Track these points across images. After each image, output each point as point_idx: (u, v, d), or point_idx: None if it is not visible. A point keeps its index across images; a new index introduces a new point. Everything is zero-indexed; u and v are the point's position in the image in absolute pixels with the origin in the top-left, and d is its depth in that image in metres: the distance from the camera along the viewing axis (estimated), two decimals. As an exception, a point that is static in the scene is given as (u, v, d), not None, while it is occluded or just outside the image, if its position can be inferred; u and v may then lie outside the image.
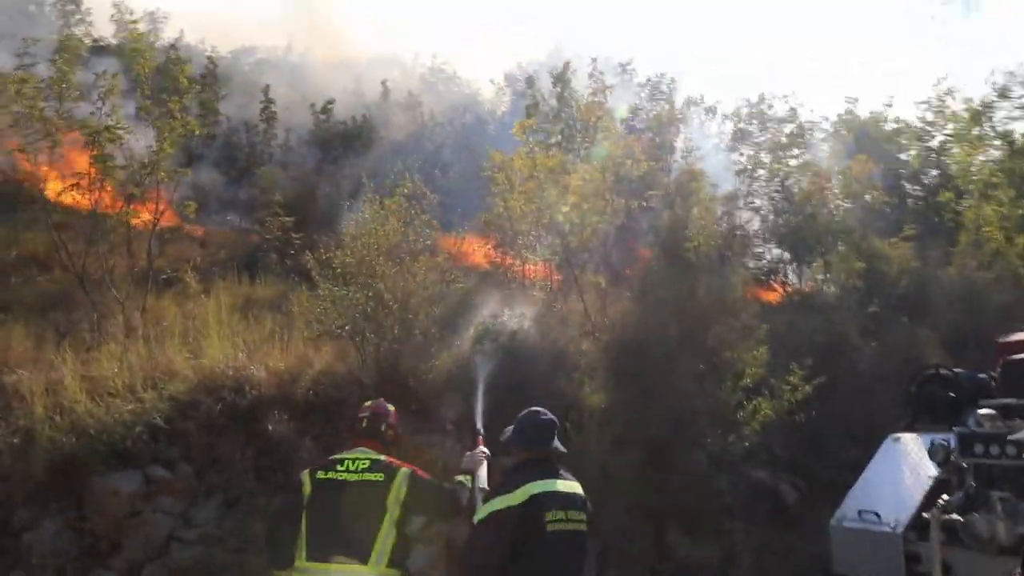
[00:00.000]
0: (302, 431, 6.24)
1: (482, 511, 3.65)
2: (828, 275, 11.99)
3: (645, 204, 9.84)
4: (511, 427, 4.08)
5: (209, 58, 19.82)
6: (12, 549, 5.13)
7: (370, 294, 6.87)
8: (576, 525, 3.67)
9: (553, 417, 3.94)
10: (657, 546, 7.73)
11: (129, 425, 5.46)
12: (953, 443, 6.66)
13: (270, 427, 6.12)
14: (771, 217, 14.61)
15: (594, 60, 23.29)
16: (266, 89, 19.21)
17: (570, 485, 3.79)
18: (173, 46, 21.39)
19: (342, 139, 20.65)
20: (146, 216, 8.26)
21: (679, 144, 18.04)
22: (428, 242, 7.46)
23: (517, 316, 8.35)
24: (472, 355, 7.68)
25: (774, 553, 8.24)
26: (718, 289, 9.43)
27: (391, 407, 4.42)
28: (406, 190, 7.71)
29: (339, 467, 3.96)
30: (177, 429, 5.83)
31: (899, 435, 7.49)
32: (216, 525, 5.65)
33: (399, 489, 3.93)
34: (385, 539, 3.85)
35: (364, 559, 3.78)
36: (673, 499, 7.94)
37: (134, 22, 8.46)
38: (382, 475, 3.95)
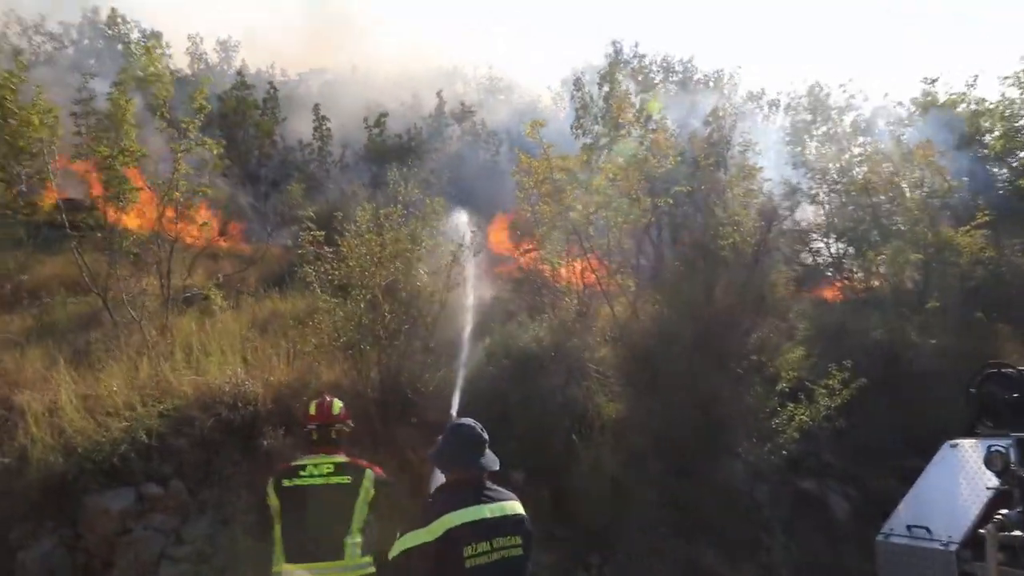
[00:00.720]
0: (299, 446, 6.13)
1: (396, 547, 3.36)
2: (879, 269, 11.09)
3: (671, 202, 9.34)
4: (440, 440, 3.79)
5: (270, 83, 20.50)
6: (7, 567, 5.23)
7: (363, 305, 6.74)
8: (507, 552, 3.32)
9: (481, 432, 3.58)
10: (688, 566, 7.26)
11: (117, 443, 5.49)
12: (1013, 450, 5.99)
13: (265, 442, 6.06)
14: (828, 209, 13.71)
15: (641, 56, 22.88)
16: (316, 108, 19.67)
17: (501, 507, 3.41)
18: (239, 72, 22.32)
19: (395, 153, 20.95)
20: (185, 235, 8.56)
21: (736, 139, 17.36)
22: (424, 249, 7.24)
23: (533, 324, 8.07)
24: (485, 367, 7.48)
25: (819, 570, 7.61)
26: (755, 288, 8.87)
27: (337, 404, 4.66)
28: (405, 197, 7.55)
29: (302, 473, 4.33)
30: (171, 446, 5.85)
31: (957, 441, 6.79)
32: (208, 542, 5.63)
33: (367, 490, 4.34)
34: (356, 535, 4.26)
35: (339, 556, 4.17)
36: (705, 514, 7.46)
37: (152, 46, 8.44)
38: (349, 478, 4.34)
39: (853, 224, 12.78)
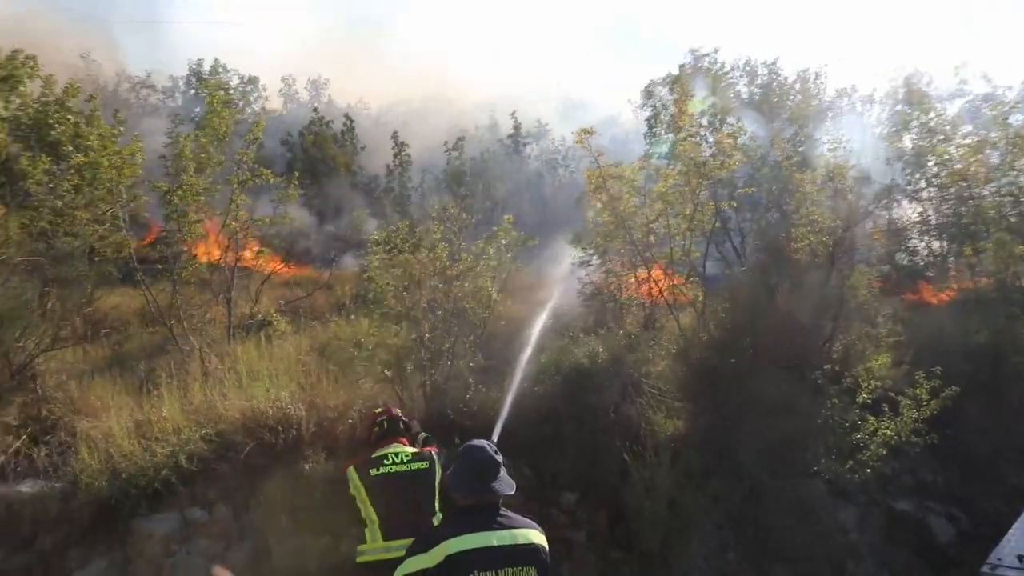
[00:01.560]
0: (340, 469, 6.08)
1: (399, 570, 3.22)
2: (983, 266, 10.01)
3: (734, 205, 8.81)
4: (453, 463, 3.60)
5: (346, 115, 21.23)
6: (64, 588, 5.41)
7: (399, 329, 6.65)
8: None
9: (494, 454, 3.34)
10: (761, 594, 6.69)
11: (160, 468, 5.60)
12: None
13: (307, 466, 6.04)
14: (928, 205, 12.61)
15: (716, 61, 22.07)
16: (395, 135, 20.16)
17: (513, 535, 3.19)
18: (315, 109, 23.25)
19: (473, 175, 21.19)
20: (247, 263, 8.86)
21: (822, 137, 16.40)
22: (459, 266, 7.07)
23: (588, 339, 7.75)
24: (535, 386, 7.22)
25: (916, 603, 6.84)
26: (834, 292, 8.20)
27: (397, 410, 5.28)
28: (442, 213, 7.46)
29: (386, 462, 4.83)
30: (215, 471, 5.91)
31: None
32: (250, 567, 5.63)
33: (439, 471, 4.86)
34: (437, 513, 4.77)
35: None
36: (779, 538, 6.86)
37: (219, 86, 8.76)
38: (426, 463, 4.90)
39: (954, 219, 11.68)
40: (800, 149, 15.78)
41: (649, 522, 6.26)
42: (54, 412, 6.34)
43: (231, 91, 30.88)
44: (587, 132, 8.19)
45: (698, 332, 8.17)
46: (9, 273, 7.74)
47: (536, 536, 3.27)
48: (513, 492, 3.35)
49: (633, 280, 9.44)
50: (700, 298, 8.75)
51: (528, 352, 7.74)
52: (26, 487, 5.76)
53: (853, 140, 16.44)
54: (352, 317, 9.71)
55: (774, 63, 24.36)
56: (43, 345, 6.89)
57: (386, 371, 7.08)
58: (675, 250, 8.84)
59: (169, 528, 5.60)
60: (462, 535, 3.14)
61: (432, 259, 6.85)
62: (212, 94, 8.48)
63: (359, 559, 4.67)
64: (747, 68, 24.81)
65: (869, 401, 7.18)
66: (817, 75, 24.00)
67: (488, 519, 3.23)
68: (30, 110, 11.97)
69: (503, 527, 3.20)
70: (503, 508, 3.31)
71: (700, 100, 11.87)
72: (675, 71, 16.62)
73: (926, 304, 10.85)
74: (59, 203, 9.59)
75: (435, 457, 4.97)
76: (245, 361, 7.49)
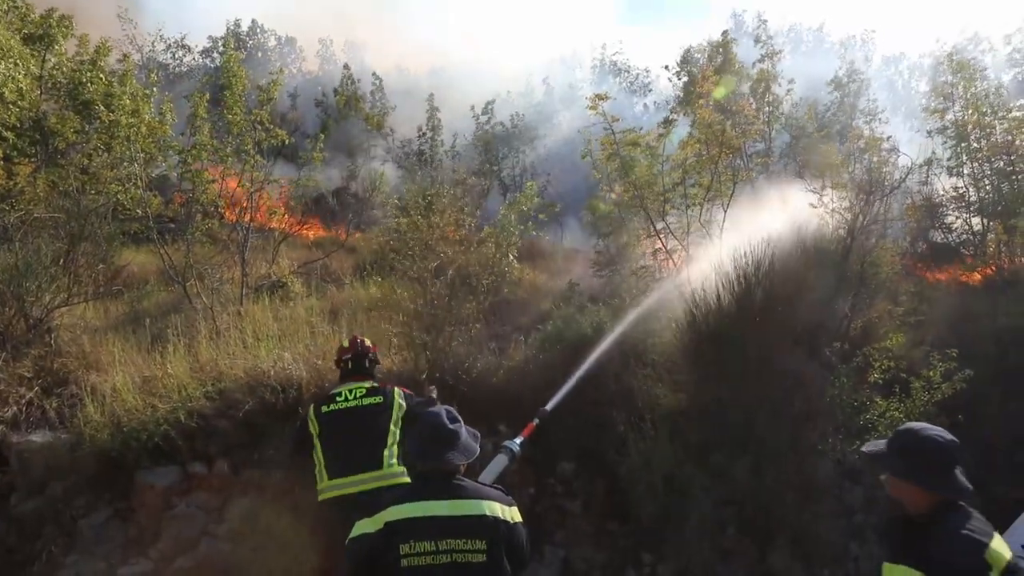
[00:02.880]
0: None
1: (349, 536, 3.24)
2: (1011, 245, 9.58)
3: (752, 173, 8.56)
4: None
5: (374, 73, 21.17)
6: (70, 532, 5.61)
7: (407, 292, 6.65)
8: (461, 556, 3.03)
9: (448, 422, 3.30)
10: (757, 570, 6.61)
11: (160, 423, 5.73)
12: None
13: (300, 426, 6.11)
14: (968, 180, 12.06)
15: (763, 23, 21.37)
16: (431, 98, 20.05)
17: (460, 506, 3.11)
18: (346, 66, 23.20)
19: (503, 139, 21.02)
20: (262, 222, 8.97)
21: (861, 106, 15.83)
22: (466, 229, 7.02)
23: (595, 308, 7.65)
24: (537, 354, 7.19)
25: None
26: (852, 267, 7.94)
27: (367, 341, 5.34)
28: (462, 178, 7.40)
29: (338, 399, 4.88)
30: (216, 427, 6.04)
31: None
32: (247, 522, 5.75)
33: (399, 407, 4.87)
34: (392, 447, 4.72)
35: (378, 467, 4.61)
36: (781, 515, 6.75)
37: (228, 46, 8.74)
38: (380, 398, 4.87)
39: (994, 195, 11.17)
40: (839, 118, 15.33)
41: (646, 495, 6.21)
42: (67, 366, 6.53)
43: (270, 51, 31.06)
44: (601, 98, 8.00)
45: (710, 299, 8.01)
46: (33, 229, 7.98)
47: (494, 508, 3.17)
48: (469, 460, 3.32)
49: (648, 249, 9.31)
50: (712, 269, 8.57)
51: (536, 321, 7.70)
52: (37, 436, 5.98)
53: (895, 110, 15.92)
54: (368, 280, 9.79)
55: (819, 29, 23.54)
56: (60, 300, 7.07)
57: (392, 334, 7.12)
58: (692, 220, 8.68)
59: (169, 481, 5.76)
60: (405, 503, 3.11)
61: (441, 223, 6.81)
62: (228, 54, 8.50)
63: (319, 498, 4.70)
64: (791, 34, 24.10)
65: (880, 381, 6.98)
66: (864, 42, 23.17)
67: (438, 488, 3.17)
68: (65, 69, 12.20)
69: (451, 496, 3.13)
70: (460, 477, 3.28)
71: (735, 71, 11.54)
72: (714, 38, 16.17)
73: (958, 283, 10.46)
74: (86, 161, 9.82)
75: (396, 394, 4.92)
76: (254, 321, 7.60)
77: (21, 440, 5.90)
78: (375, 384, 5.04)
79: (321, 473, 4.70)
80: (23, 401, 6.09)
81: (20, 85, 10.73)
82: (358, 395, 4.88)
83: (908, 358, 7.48)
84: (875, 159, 9.69)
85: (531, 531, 5.54)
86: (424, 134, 20.45)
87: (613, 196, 8.94)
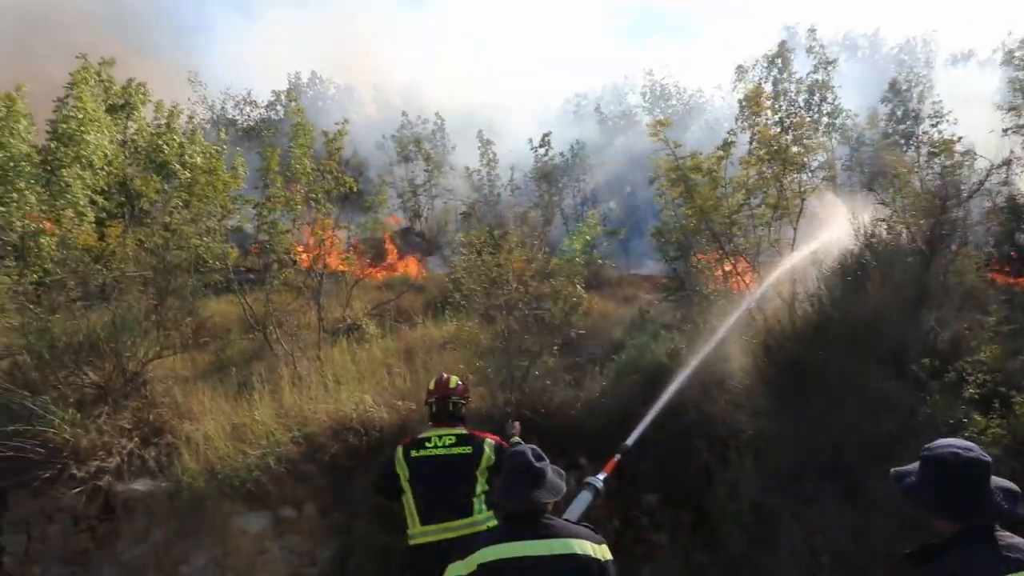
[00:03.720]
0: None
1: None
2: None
3: (819, 188, 8.38)
4: None
5: (436, 113, 21.66)
6: (173, 580, 5.84)
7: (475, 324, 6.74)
8: None
9: (534, 461, 3.32)
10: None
11: (251, 469, 5.93)
12: None
13: (384, 467, 6.22)
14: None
15: (813, 34, 21.02)
16: (480, 134, 20.35)
17: (551, 545, 3.13)
18: (404, 113, 23.81)
19: (561, 170, 21.12)
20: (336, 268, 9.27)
21: (927, 110, 15.33)
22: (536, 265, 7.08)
23: (669, 335, 7.59)
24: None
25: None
26: (935, 277, 7.65)
27: (454, 379, 5.35)
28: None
29: (427, 444, 4.95)
30: (303, 471, 6.21)
31: None
32: (336, 565, 5.88)
33: (488, 458, 4.91)
34: (480, 495, 4.82)
35: (468, 514, 4.73)
36: (879, 541, 6.48)
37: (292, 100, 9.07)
38: (470, 448, 4.93)
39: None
40: (901, 127, 14.90)
41: (734, 525, 6.06)
42: (162, 416, 6.83)
43: (330, 100, 32.14)
44: (663, 124, 8.00)
45: (785, 324, 7.83)
46: (126, 287, 8.42)
47: (585, 546, 3.18)
48: (557, 498, 3.34)
49: (719, 273, 9.18)
50: (787, 289, 8.41)
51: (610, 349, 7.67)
52: (139, 485, 6.27)
53: (966, 111, 15.33)
54: (439, 318, 9.95)
55: (875, 34, 23.01)
56: (152, 353, 7.43)
57: (468, 372, 7.21)
58: (761, 239, 8.55)
59: (262, 525, 5.95)
60: (497, 544, 3.15)
61: (509, 261, 6.90)
62: (295, 107, 8.90)
63: (410, 541, 4.81)
64: (846, 42, 23.61)
65: (977, 396, 6.66)
66: (925, 42, 22.52)
67: (528, 528, 3.19)
68: (144, 133, 12.96)
69: (541, 536, 3.15)
70: (549, 516, 3.29)
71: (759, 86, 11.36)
72: (768, 53, 16.01)
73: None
74: (168, 219, 10.33)
75: (487, 445, 4.96)
76: (333, 365, 7.82)
77: (125, 489, 6.19)
78: (464, 432, 5.05)
79: (413, 519, 4.80)
80: (125, 452, 6.40)
81: (107, 152, 11.44)
82: (447, 443, 4.93)
83: (1004, 371, 7.12)
84: (948, 163, 9.38)
85: (618, 565, 5.47)
86: (479, 170, 20.69)
87: (678, 221, 8.88)
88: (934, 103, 14.59)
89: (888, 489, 6.65)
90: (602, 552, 3.25)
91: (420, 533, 4.74)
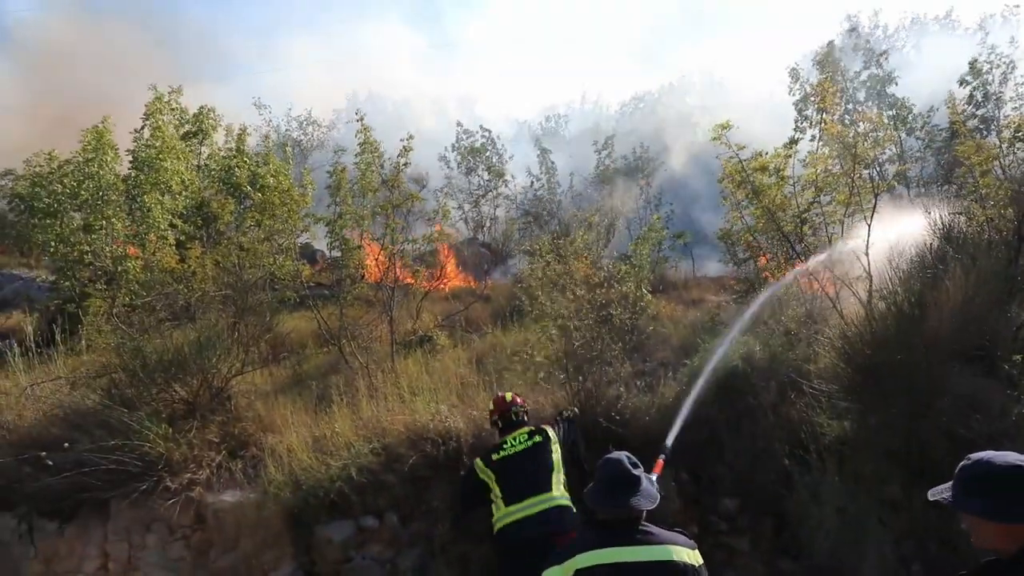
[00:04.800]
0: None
1: None
2: None
3: (895, 185, 8.10)
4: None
5: (481, 126, 21.88)
6: (264, 587, 6.05)
7: (553, 333, 6.77)
8: None
9: (630, 468, 3.40)
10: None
11: (334, 480, 6.10)
12: None
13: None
14: None
15: (877, 26, 20.26)
16: (538, 142, 20.45)
17: (651, 552, 3.18)
18: (458, 122, 24.10)
19: (625, 173, 21.05)
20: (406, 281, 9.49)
21: (1009, 92, 14.64)
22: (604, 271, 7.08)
23: (744, 338, 7.46)
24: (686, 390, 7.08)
25: None
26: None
27: (508, 394, 5.98)
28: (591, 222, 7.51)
29: (505, 447, 5.43)
30: (383, 481, 6.35)
31: None
32: (418, 572, 5.99)
33: (555, 439, 5.49)
34: (558, 474, 5.27)
35: (548, 489, 5.13)
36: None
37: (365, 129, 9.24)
38: (540, 436, 5.47)
39: None
40: (979, 111, 14.27)
41: (817, 531, 5.92)
42: (246, 430, 7.11)
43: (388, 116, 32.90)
44: (724, 127, 7.89)
45: (864, 324, 7.60)
46: (207, 306, 8.79)
47: (682, 553, 3.22)
48: (654, 506, 3.35)
49: (790, 273, 8.99)
50: (866, 288, 8.17)
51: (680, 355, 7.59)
52: (228, 496, 6.52)
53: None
54: (508, 327, 10.04)
55: (947, 16, 22.12)
56: (235, 369, 7.74)
57: (540, 380, 7.26)
58: (834, 237, 8.33)
59: (345, 535, 6.10)
60: (593, 550, 3.18)
61: (576, 268, 6.93)
62: (363, 127, 9.17)
63: (495, 529, 5.14)
64: (914, 25, 22.74)
65: (1068, 392, 6.35)
66: (1005, 19, 21.49)
67: (624, 534, 3.23)
68: (217, 158, 13.52)
69: (639, 543, 3.18)
70: (645, 523, 3.31)
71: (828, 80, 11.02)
72: (832, 44, 15.58)
73: None
74: (243, 239, 10.75)
75: (549, 429, 5.56)
76: (407, 376, 7.97)
77: (215, 500, 6.45)
78: (532, 428, 5.61)
79: (498, 505, 5.15)
80: (214, 464, 6.68)
81: (183, 178, 12.01)
82: (522, 440, 5.44)
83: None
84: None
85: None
86: (539, 178, 20.77)
87: (745, 222, 8.74)
88: (1018, 84, 13.96)
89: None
90: (695, 557, 3.29)
91: (505, 514, 5.06)
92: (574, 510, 5.12)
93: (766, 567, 6.22)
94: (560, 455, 5.43)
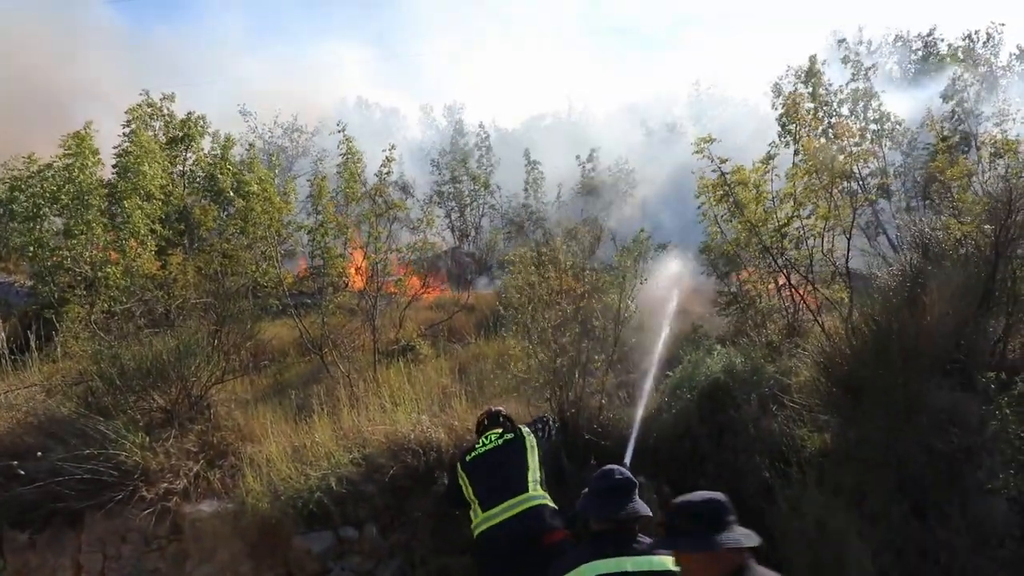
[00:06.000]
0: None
1: None
2: None
3: (873, 199, 8.19)
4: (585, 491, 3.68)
5: (480, 125, 21.88)
6: (239, 599, 5.97)
7: (533, 345, 6.76)
8: None
9: (628, 477, 3.49)
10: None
11: (313, 490, 6.04)
12: None
13: (441, 487, 6.26)
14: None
15: (861, 42, 20.46)
16: (527, 152, 20.49)
17: (649, 562, 3.24)
18: (458, 123, 24.11)
19: (608, 186, 21.13)
20: (388, 290, 9.44)
21: (989, 110, 14.85)
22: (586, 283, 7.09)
23: (724, 350, 7.49)
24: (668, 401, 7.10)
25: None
26: (1002, 286, 7.41)
27: (496, 408, 5.86)
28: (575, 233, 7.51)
29: (477, 447, 5.38)
30: (363, 492, 6.30)
31: None
32: (397, 583, 5.94)
33: (529, 439, 5.36)
34: (534, 473, 5.13)
35: (524, 490, 4.97)
36: (953, 561, 6.26)
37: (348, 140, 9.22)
38: (512, 434, 5.39)
39: None
40: (960, 127, 14.47)
41: (798, 543, 5.93)
42: (225, 439, 7.03)
43: (375, 123, 32.74)
44: (707, 140, 7.94)
45: (843, 338, 7.66)
46: (187, 313, 8.71)
47: (669, 563, 3.25)
48: (650, 514, 3.39)
49: (772, 286, 9.05)
50: (845, 301, 8.24)
51: (661, 367, 7.61)
52: (205, 506, 6.45)
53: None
54: (491, 337, 10.01)
55: (930, 34, 22.38)
56: (215, 377, 7.66)
57: (522, 390, 7.24)
58: (814, 251, 8.41)
59: (324, 545, 6.04)
60: (594, 560, 3.22)
61: (557, 279, 6.93)
62: (347, 145, 9.16)
63: (475, 535, 4.99)
64: (899, 43, 22.96)
65: (1053, 404, 6.41)
66: (989, 37, 21.77)
67: (622, 544, 3.29)
68: (203, 164, 13.43)
69: (638, 552, 3.25)
70: (640, 534, 3.36)
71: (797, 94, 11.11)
72: (815, 57, 15.73)
73: None
74: (226, 246, 10.68)
75: (523, 429, 5.46)
76: (389, 386, 7.93)
77: (192, 510, 6.37)
78: (505, 429, 5.53)
79: (476, 511, 5.02)
80: (191, 474, 6.59)
81: (163, 183, 11.91)
82: (493, 439, 5.37)
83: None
84: (1011, 164, 9.10)
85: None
86: (527, 188, 20.81)
87: (725, 236, 8.80)
88: (998, 103, 14.16)
89: (960, 505, 6.48)
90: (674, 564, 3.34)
91: (483, 519, 4.93)
92: (555, 507, 5.03)
93: (746, 580, 6.20)
94: (538, 456, 5.30)
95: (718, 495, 2.85)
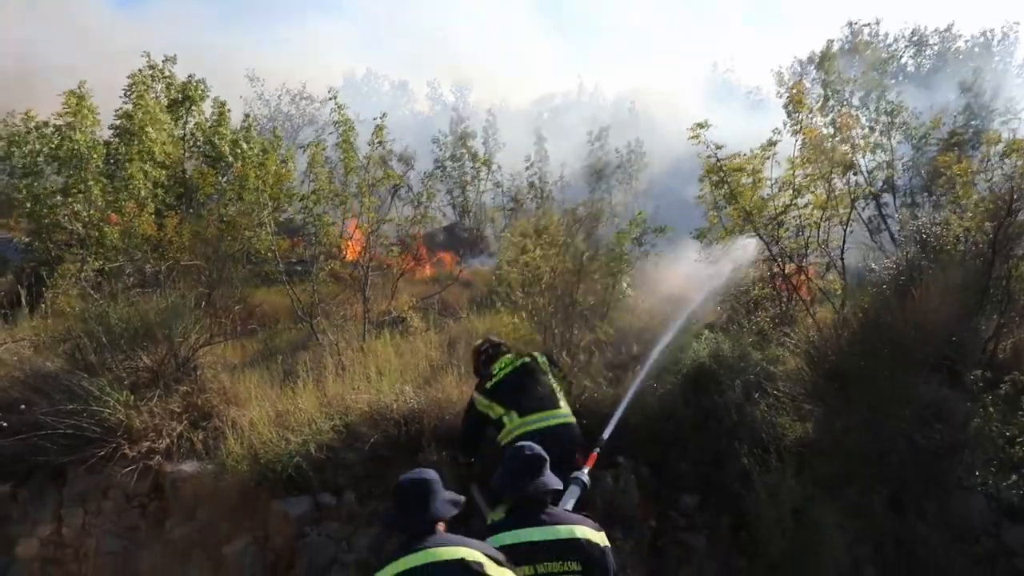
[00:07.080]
0: (456, 460, 6.27)
1: None
2: None
3: (872, 191, 8.11)
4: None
5: (488, 110, 21.73)
6: (215, 558, 6.02)
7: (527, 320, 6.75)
8: None
9: (538, 453, 3.65)
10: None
11: (294, 455, 6.06)
12: None
13: (422, 457, 6.28)
14: None
15: (876, 33, 20.26)
16: (537, 130, 20.34)
17: (556, 531, 3.41)
18: (454, 109, 23.97)
19: (614, 167, 20.97)
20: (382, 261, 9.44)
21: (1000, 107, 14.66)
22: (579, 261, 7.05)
23: (713, 335, 7.46)
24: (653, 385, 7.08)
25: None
26: (998, 284, 7.37)
27: (495, 339, 6.28)
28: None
29: (495, 373, 5.65)
30: (343, 459, 6.32)
31: None
32: (373, 552, 5.96)
33: (542, 357, 5.79)
34: (563, 394, 5.60)
35: (558, 407, 5.44)
36: (928, 555, 6.28)
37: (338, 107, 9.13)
38: (528, 358, 5.71)
39: None
40: (973, 123, 14.31)
41: (774, 530, 5.95)
42: (210, 401, 7.04)
43: (384, 95, 32.61)
44: (702, 126, 7.84)
45: (834, 329, 7.63)
46: (179, 275, 8.71)
47: (586, 532, 3.45)
48: (559, 487, 3.65)
49: (767, 274, 9.00)
50: (839, 292, 8.21)
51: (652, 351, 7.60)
52: (187, 467, 6.48)
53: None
54: (484, 313, 9.99)
55: (947, 29, 22.12)
56: (203, 340, 7.66)
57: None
58: (810, 241, 8.35)
59: (301, 510, 6.06)
60: (505, 531, 3.42)
61: (553, 256, 6.90)
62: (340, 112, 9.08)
63: (503, 442, 5.26)
64: (914, 38, 22.71)
65: (1040, 405, 6.39)
66: (1005, 35, 21.55)
67: (531, 516, 3.48)
68: (203, 128, 13.35)
69: (545, 523, 3.42)
70: (551, 507, 3.58)
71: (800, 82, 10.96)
72: (831, 43, 15.54)
73: None
74: (223, 211, 10.64)
75: (538, 354, 5.79)
76: (376, 357, 7.93)
77: (174, 470, 6.40)
78: (516, 354, 5.87)
79: (511, 419, 5.29)
80: (174, 434, 6.62)
81: (166, 148, 11.85)
82: (508, 362, 5.68)
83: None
84: (1018, 163, 9.00)
85: (653, 566, 5.46)
86: (532, 165, 20.64)
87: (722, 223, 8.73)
88: (1006, 100, 13.99)
89: (939, 500, 6.48)
90: (601, 538, 3.51)
91: (520, 424, 5.20)
92: (578, 430, 5.38)
93: (721, 565, 6.24)
94: (558, 376, 5.74)
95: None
